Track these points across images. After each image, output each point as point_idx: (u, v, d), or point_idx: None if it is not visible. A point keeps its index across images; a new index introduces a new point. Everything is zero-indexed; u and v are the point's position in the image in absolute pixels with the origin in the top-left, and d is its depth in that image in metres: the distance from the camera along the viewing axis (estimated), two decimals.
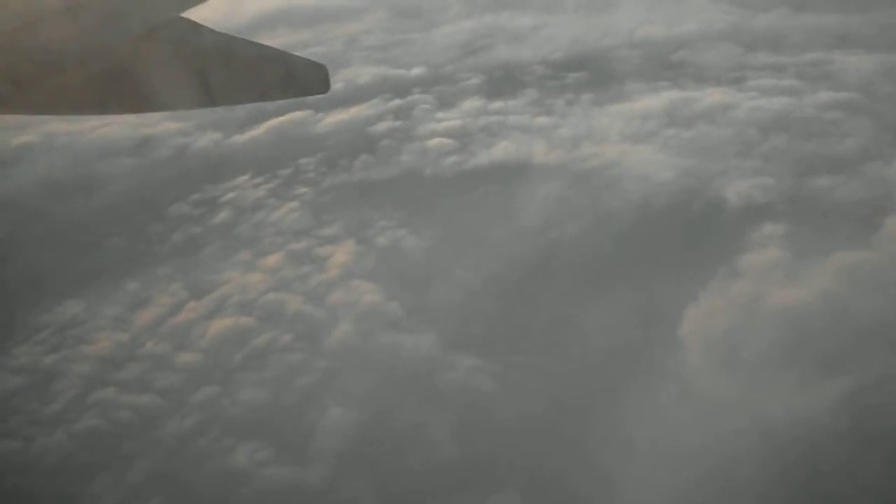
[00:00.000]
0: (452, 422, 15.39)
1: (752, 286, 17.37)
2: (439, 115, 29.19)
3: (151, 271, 21.66)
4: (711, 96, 27.73)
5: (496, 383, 16.12)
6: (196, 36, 3.83)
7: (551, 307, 18.13)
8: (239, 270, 21.10)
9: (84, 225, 24.41)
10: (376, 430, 15.50)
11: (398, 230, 21.80)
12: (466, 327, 17.91)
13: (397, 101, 30.59)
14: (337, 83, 33.42)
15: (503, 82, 31.41)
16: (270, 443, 15.47)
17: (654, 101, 28.24)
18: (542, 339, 17.26)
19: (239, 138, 29.35)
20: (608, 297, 17.92)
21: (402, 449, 15.07)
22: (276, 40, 38.03)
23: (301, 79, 3.99)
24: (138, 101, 3.91)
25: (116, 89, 3.74)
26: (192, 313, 19.60)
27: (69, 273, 22.00)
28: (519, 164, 24.96)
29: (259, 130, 29.66)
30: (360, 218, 22.70)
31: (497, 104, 29.46)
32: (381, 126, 28.71)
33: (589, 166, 24.14)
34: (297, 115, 30.43)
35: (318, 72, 3.92)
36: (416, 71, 33.60)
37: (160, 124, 30.74)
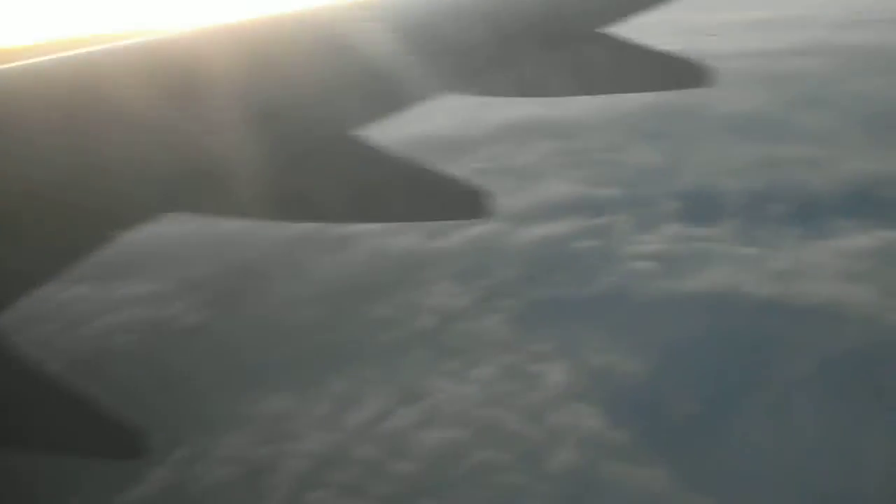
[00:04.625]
0: None
1: None
2: (639, 237, 28.54)
3: (357, 371, 21.35)
4: None
5: None
6: (357, 152, 3.90)
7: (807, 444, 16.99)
8: (448, 380, 20.61)
9: (284, 315, 24.43)
10: None
11: (613, 353, 21.02)
12: (705, 464, 16.92)
13: (595, 220, 30.07)
14: (531, 197, 33.27)
15: (701, 208, 30.61)
16: None
17: (867, 240, 27.00)
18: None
19: (435, 244, 29.19)
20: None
21: None
22: (499, 148, 38.40)
23: (459, 202, 3.95)
24: (291, 211, 4.08)
25: (270, 198, 3.81)
26: (404, 420, 19.12)
27: (272, 364, 21.92)
28: (730, 295, 24.01)
29: (454, 239, 29.44)
30: (570, 336, 22.03)
31: (699, 231, 28.66)
32: (581, 244, 28.20)
33: (807, 303, 23.03)
34: (493, 226, 30.18)
35: (478, 197, 3.81)
36: (612, 191, 33.11)
37: (353, 223, 30.87)
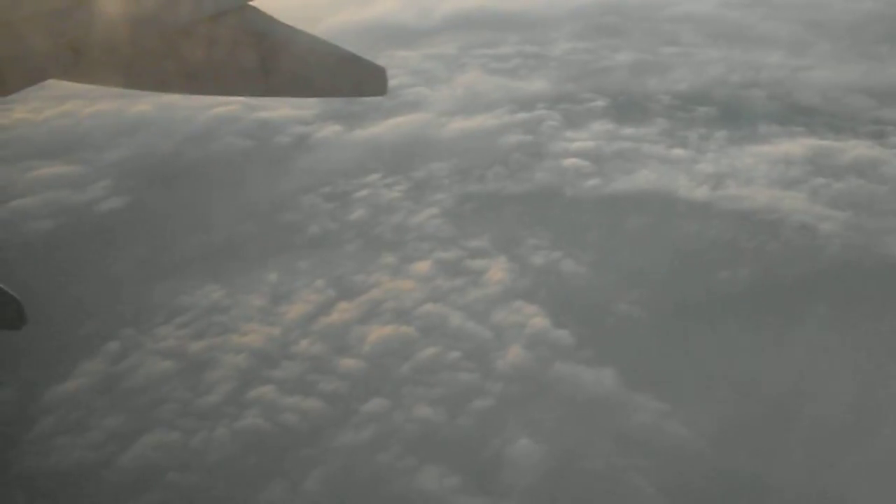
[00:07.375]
0: (651, 470, 14.43)
1: None
2: (568, 133, 28.24)
3: (291, 263, 20.74)
4: (855, 149, 26.67)
5: (691, 432, 15.12)
6: (261, 25, 3.76)
7: (735, 354, 17.11)
8: (387, 274, 20.16)
9: (211, 205, 23.53)
10: (569, 470, 14.52)
11: (552, 252, 20.82)
12: (645, 365, 16.89)
13: (522, 115, 29.60)
14: (457, 89, 32.63)
15: (629, 108, 30.41)
16: (455, 469, 14.49)
17: (794, 146, 27.17)
18: (732, 386, 16.23)
19: (361, 133, 28.45)
20: (803, 348, 17.00)
21: (600, 493, 14.13)
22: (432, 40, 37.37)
23: (359, 79, 3.96)
24: (195, 83, 3.89)
25: (175, 68, 3.73)
26: (346, 315, 18.67)
27: (201, 255, 21.15)
28: (664, 196, 23.94)
29: (381, 128, 28.77)
30: (506, 233, 21.75)
31: (627, 130, 28.46)
32: (511, 138, 27.77)
33: (741, 207, 23.13)
34: (420, 116, 29.56)
35: (377, 74, 3.90)
36: (538, 85, 32.64)
37: (277, 109, 29.90)
